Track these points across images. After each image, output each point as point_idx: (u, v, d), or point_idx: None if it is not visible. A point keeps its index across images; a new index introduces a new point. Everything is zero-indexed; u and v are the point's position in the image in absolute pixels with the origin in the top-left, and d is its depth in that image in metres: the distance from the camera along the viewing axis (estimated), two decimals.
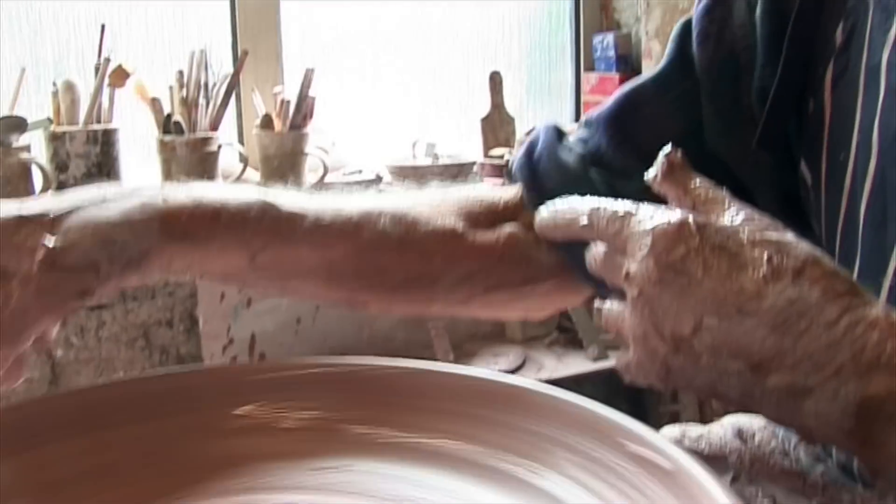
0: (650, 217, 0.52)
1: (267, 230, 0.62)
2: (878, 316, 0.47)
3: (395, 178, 1.97)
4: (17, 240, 0.53)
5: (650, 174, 0.56)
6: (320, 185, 1.84)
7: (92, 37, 1.75)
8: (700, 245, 0.50)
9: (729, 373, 0.49)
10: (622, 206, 0.53)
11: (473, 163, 2.00)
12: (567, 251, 0.71)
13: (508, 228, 0.73)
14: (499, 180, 2.04)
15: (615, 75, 2.25)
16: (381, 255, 0.67)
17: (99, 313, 1.71)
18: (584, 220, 0.54)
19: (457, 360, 1.83)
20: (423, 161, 1.99)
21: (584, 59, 2.36)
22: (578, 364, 1.84)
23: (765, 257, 0.50)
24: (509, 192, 0.77)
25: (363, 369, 0.63)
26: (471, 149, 2.16)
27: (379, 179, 1.93)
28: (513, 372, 1.77)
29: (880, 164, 0.65)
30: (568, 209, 0.56)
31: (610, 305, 0.55)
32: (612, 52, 2.25)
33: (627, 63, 2.26)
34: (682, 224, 0.51)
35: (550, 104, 2.39)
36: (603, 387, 2.25)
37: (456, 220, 0.72)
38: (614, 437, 0.53)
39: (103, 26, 1.70)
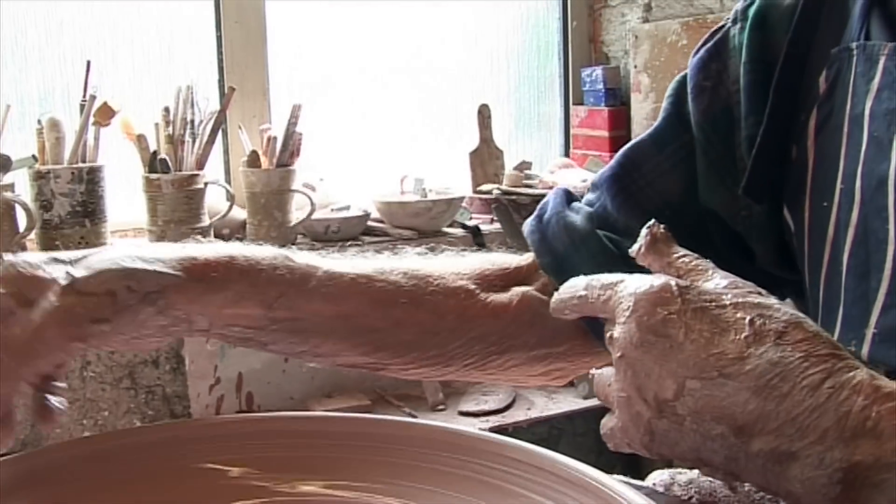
0: (635, 283, 0.52)
1: (282, 279, 0.63)
2: (862, 380, 0.47)
3: (382, 214, 1.97)
4: (44, 273, 0.56)
5: (633, 248, 0.57)
6: (307, 221, 1.84)
7: (77, 73, 1.76)
8: (682, 308, 0.50)
9: (713, 437, 0.49)
10: (613, 276, 0.54)
11: (462, 197, 2.01)
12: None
13: (522, 290, 0.74)
14: (487, 216, 2.06)
15: (604, 108, 2.26)
16: (395, 308, 0.68)
17: (83, 353, 1.70)
18: (581, 293, 0.55)
19: (446, 399, 1.82)
20: (412, 197, 1.99)
21: (572, 93, 2.37)
22: (569, 402, 1.83)
23: (747, 320, 0.50)
24: (522, 257, 0.79)
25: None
26: (460, 183, 2.16)
27: (367, 215, 1.93)
28: (502, 410, 1.76)
29: (863, 213, 0.65)
30: (569, 289, 0.57)
31: (601, 371, 0.55)
32: (600, 86, 2.27)
33: (616, 96, 2.28)
34: (664, 287, 0.51)
35: (539, 137, 2.40)
36: (595, 424, 2.25)
37: (469, 280, 0.73)
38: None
39: (89, 63, 1.71)
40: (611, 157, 2.23)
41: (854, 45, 0.68)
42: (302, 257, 0.67)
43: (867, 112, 0.66)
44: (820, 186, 0.70)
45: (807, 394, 0.47)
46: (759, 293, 0.53)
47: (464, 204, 2.06)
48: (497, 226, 2.04)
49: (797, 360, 0.48)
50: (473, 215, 2.09)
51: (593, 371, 0.56)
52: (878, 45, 0.66)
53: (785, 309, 0.51)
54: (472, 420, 1.74)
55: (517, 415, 1.77)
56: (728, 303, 0.51)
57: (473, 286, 0.72)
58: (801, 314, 0.52)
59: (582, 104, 2.35)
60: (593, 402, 1.86)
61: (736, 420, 0.48)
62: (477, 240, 1.99)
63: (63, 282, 0.55)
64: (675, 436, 0.50)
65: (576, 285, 0.56)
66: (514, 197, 2.05)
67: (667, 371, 0.50)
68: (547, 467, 0.58)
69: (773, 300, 0.52)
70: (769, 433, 0.47)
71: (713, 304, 0.51)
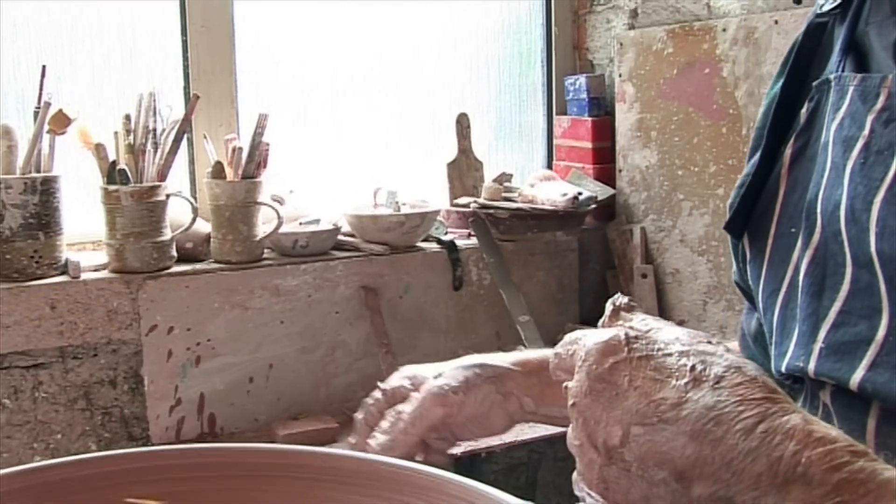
0: (592, 335, 0.56)
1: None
2: (795, 425, 0.49)
3: (354, 228, 1.96)
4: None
5: (600, 323, 0.60)
6: (274, 235, 1.83)
7: (33, 78, 1.74)
8: (628, 357, 0.54)
9: (657, 483, 0.51)
10: (577, 333, 0.58)
11: (437, 211, 1.99)
12: None
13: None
14: (465, 230, 2.04)
15: (587, 118, 2.26)
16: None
17: (35, 372, 1.68)
18: (556, 351, 0.60)
19: None
20: (384, 210, 1.98)
21: (555, 102, 2.37)
22: (545, 427, 1.81)
23: (688, 366, 0.52)
24: None
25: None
26: (437, 196, 2.15)
27: (337, 230, 1.91)
28: None
29: (823, 236, 0.70)
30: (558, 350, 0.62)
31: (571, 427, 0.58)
32: (584, 95, 2.27)
33: (600, 106, 2.27)
34: (613, 338, 0.55)
35: (521, 148, 2.39)
36: None
37: None
38: None
39: (44, 67, 1.69)
40: (594, 169, 2.25)
41: (832, 76, 0.73)
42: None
43: (831, 139, 0.72)
44: (789, 213, 0.75)
45: (740, 437, 0.49)
46: (710, 342, 0.56)
47: (440, 218, 2.05)
48: (474, 241, 2.03)
49: (732, 403, 0.50)
50: (450, 230, 2.08)
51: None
52: (850, 76, 0.71)
53: (729, 355, 0.54)
54: None
55: (491, 439, 1.76)
56: (674, 350, 0.54)
57: None
58: (746, 360, 0.54)
59: (565, 114, 2.34)
60: None
61: (676, 465, 0.50)
62: (452, 256, 1.98)
63: (432, 377, 0.88)
64: (626, 483, 0.52)
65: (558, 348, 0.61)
66: (491, 211, 2.04)
67: (613, 418, 0.52)
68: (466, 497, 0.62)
69: (720, 348, 0.55)
70: (707, 478, 0.49)
71: (660, 352, 0.54)
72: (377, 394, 0.97)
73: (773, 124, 0.79)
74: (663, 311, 2.09)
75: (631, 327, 0.56)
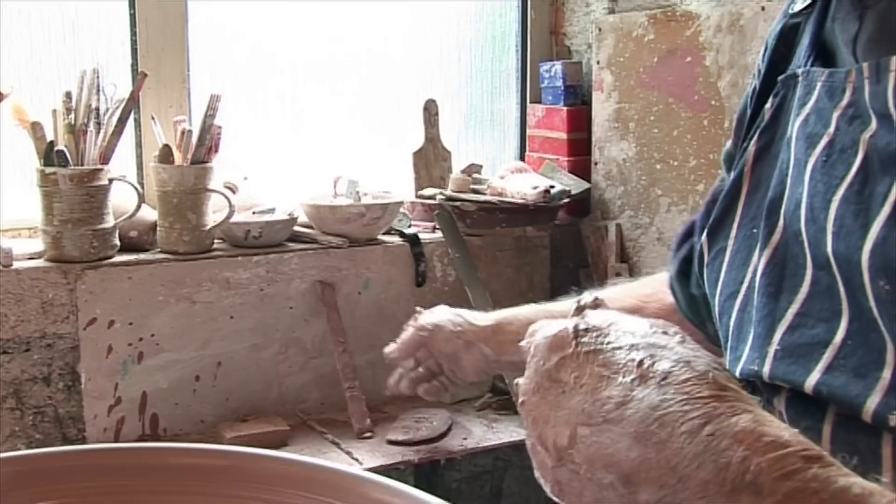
0: (543, 329, 0.56)
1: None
2: (745, 427, 0.48)
3: (311, 219, 1.91)
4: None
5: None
6: (225, 225, 1.78)
7: None
8: (574, 352, 0.53)
9: (605, 487, 0.50)
10: (537, 324, 0.57)
11: (400, 202, 1.95)
12: None
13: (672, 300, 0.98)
14: (430, 223, 2.00)
15: (563, 108, 2.23)
16: None
17: None
18: (521, 344, 0.59)
19: (375, 425, 1.77)
20: (344, 200, 1.93)
21: (530, 89, 2.33)
22: (510, 432, 1.78)
23: (636, 361, 0.51)
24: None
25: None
26: (401, 186, 2.11)
27: (293, 220, 1.87)
28: (436, 440, 1.71)
29: (784, 236, 0.70)
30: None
31: None
32: (560, 82, 2.23)
33: (577, 94, 2.24)
34: (562, 331, 0.54)
35: (493, 138, 2.35)
36: None
37: (639, 298, 1.10)
38: None
39: None
40: (569, 162, 2.21)
41: (800, 70, 0.73)
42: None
43: (794, 135, 0.71)
44: (752, 213, 0.75)
45: (685, 440, 0.48)
46: (666, 332, 0.55)
47: (403, 209, 2.01)
48: (439, 235, 1.99)
49: (678, 402, 0.49)
50: (414, 222, 2.04)
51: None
52: (818, 71, 0.71)
53: (681, 348, 0.53)
54: (400, 449, 1.69)
55: (452, 444, 1.72)
56: (624, 344, 0.53)
57: None
58: (699, 352, 0.53)
59: (539, 102, 2.31)
60: None
61: (622, 468, 0.49)
62: (415, 250, 1.94)
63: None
64: (578, 486, 0.51)
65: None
66: (458, 203, 2.00)
67: (561, 417, 0.52)
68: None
69: (675, 339, 0.54)
70: (652, 483, 0.48)
71: (609, 345, 0.53)
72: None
73: (739, 125, 0.82)
74: None
75: (584, 320, 0.55)
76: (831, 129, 0.67)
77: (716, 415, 0.48)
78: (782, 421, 0.65)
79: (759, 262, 0.71)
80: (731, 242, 0.76)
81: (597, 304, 0.58)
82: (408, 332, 1.43)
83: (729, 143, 0.88)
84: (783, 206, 0.70)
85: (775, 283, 0.69)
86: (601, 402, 0.50)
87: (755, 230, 0.73)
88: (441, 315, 1.38)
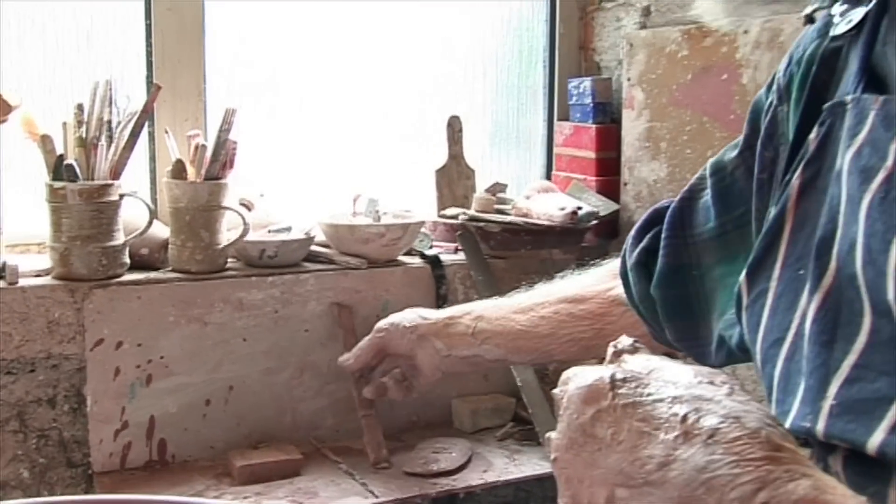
0: (578, 377, 0.52)
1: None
2: (804, 496, 0.43)
3: (329, 238, 1.85)
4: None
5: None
6: (240, 244, 1.72)
7: None
8: (611, 405, 0.49)
9: None
10: (572, 370, 0.53)
11: (422, 223, 1.89)
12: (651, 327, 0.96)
13: (619, 292, 1.03)
14: (452, 244, 1.94)
15: (592, 126, 2.16)
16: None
17: None
18: (557, 396, 0.55)
19: (391, 454, 1.69)
20: (363, 220, 1.87)
21: (557, 106, 2.27)
22: (532, 464, 1.71)
23: (679, 416, 0.47)
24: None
25: None
26: (422, 205, 2.05)
27: (310, 239, 1.81)
28: (454, 472, 1.64)
29: (837, 280, 0.64)
30: None
31: None
32: (589, 99, 2.17)
33: (606, 112, 2.17)
34: (596, 381, 0.50)
35: (518, 156, 2.29)
36: None
37: (584, 287, 1.21)
38: None
39: None
40: (597, 182, 2.14)
41: (849, 97, 0.67)
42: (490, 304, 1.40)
43: (846, 168, 0.65)
44: (798, 252, 0.69)
45: None
46: (712, 383, 0.50)
47: (425, 230, 1.94)
48: (461, 256, 1.92)
49: (726, 464, 0.45)
50: (435, 243, 1.98)
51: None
52: (870, 98, 0.65)
53: (729, 401, 0.48)
54: (418, 481, 1.61)
55: (471, 477, 1.65)
56: (666, 396, 0.49)
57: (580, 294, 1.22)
58: (751, 405, 0.49)
59: (567, 120, 2.24)
60: None
61: None
62: (436, 272, 1.87)
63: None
64: None
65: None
66: (482, 224, 1.93)
67: (597, 477, 0.49)
68: None
69: (723, 391, 0.49)
70: None
71: (650, 397, 0.49)
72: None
73: (752, 132, 0.79)
74: None
75: (622, 367, 0.51)
76: (889, 163, 0.61)
77: (770, 479, 0.44)
78: (839, 482, 0.59)
79: (808, 306, 0.65)
80: (774, 284, 0.71)
81: (635, 349, 0.54)
82: (366, 338, 1.51)
83: (731, 153, 0.84)
84: (835, 247, 0.64)
85: (828, 331, 0.63)
86: (641, 461, 0.47)
87: (802, 271, 0.68)
88: (400, 314, 1.46)
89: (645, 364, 0.52)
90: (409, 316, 1.44)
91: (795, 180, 0.71)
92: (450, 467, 1.63)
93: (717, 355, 0.85)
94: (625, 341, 0.55)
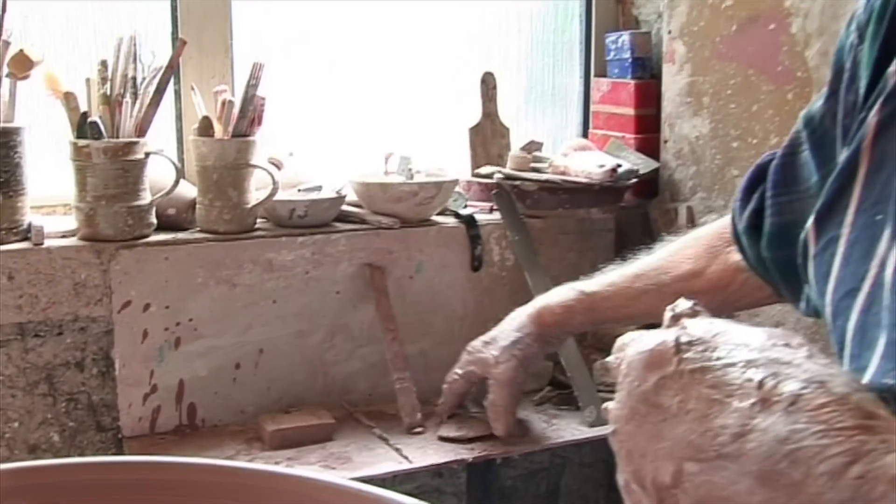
0: (638, 342, 0.48)
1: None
2: None
3: (360, 197, 1.79)
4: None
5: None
6: (269, 203, 1.67)
7: None
8: (677, 370, 0.45)
9: None
10: (629, 335, 0.50)
11: (456, 181, 1.83)
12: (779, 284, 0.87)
13: (736, 258, 0.96)
14: (486, 204, 1.88)
15: (630, 81, 2.08)
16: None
17: None
18: (609, 361, 0.52)
19: (426, 419, 1.65)
20: (396, 178, 1.82)
21: (594, 62, 2.19)
22: (571, 430, 1.65)
23: (755, 381, 0.43)
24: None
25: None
26: (456, 164, 1.99)
27: (341, 198, 1.75)
28: (490, 437, 1.58)
29: None
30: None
31: None
32: (627, 54, 2.09)
33: (645, 67, 2.10)
34: (659, 346, 0.46)
35: (554, 114, 2.22)
36: (605, 453, 2.07)
37: (696, 260, 1.08)
38: None
39: (5, 2, 1.53)
40: (636, 140, 2.07)
41: None
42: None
43: None
44: (875, 196, 0.63)
45: (826, 484, 0.39)
46: (788, 345, 0.45)
47: (459, 188, 1.88)
48: (497, 216, 1.86)
49: (813, 434, 0.40)
50: (469, 203, 1.92)
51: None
52: None
53: (811, 364, 0.44)
54: (453, 446, 1.57)
55: (508, 443, 1.59)
56: (739, 360, 0.44)
57: (699, 265, 1.08)
58: (834, 369, 0.44)
59: (605, 76, 2.16)
60: (600, 430, 1.67)
61: None
62: (471, 232, 1.81)
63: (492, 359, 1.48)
64: None
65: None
66: (518, 183, 1.87)
67: (662, 451, 0.45)
68: None
69: (801, 353, 0.45)
70: None
71: (720, 361, 0.44)
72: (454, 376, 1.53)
73: (836, 79, 0.72)
74: None
75: (686, 331, 0.47)
76: None
77: (864, 451, 0.39)
78: None
79: (888, 254, 0.60)
80: (846, 231, 0.65)
81: (696, 312, 0.50)
82: (494, 397, 1.52)
83: (819, 102, 0.78)
84: None
85: None
86: (713, 432, 0.43)
87: (880, 216, 0.62)
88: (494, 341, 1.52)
89: (708, 327, 0.48)
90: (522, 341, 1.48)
91: (872, 118, 0.65)
92: (487, 431, 1.58)
93: None
94: (683, 304, 0.51)
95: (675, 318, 0.50)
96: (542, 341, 1.43)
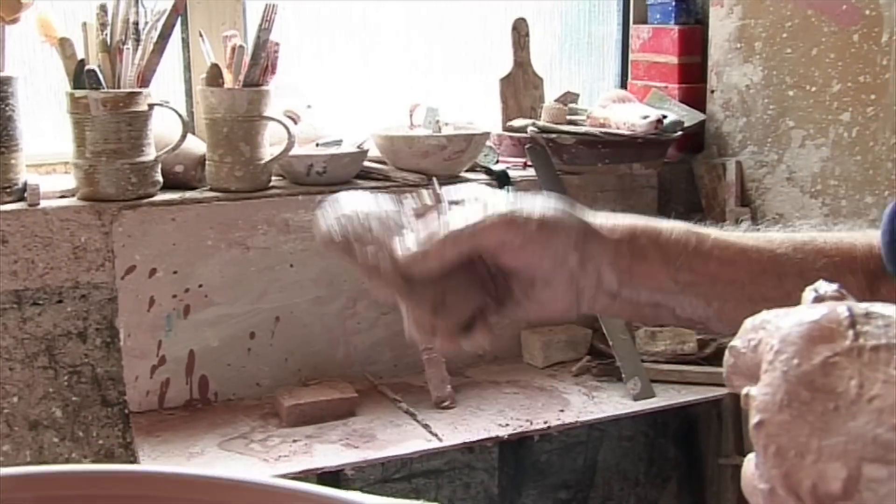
0: (790, 316, 0.39)
1: (680, 242, 0.66)
2: None
3: (384, 152, 1.65)
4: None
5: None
6: (285, 158, 1.53)
7: None
8: (854, 346, 0.36)
9: None
10: (769, 315, 0.40)
11: (487, 134, 1.68)
12: None
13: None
14: (520, 159, 1.74)
15: (674, 27, 1.92)
16: (786, 280, 0.66)
17: None
18: (732, 345, 0.42)
19: (455, 392, 1.51)
20: (422, 131, 1.67)
21: (634, 8, 2.03)
22: (614, 403, 1.51)
23: None
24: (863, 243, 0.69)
25: None
26: (486, 117, 1.84)
27: (363, 153, 1.61)
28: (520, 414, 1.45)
29: None
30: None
31: (751, 457, 0.40)
32: None
33: (689, 12, 1.94)
34: (827, 317, 0.37)
35: (590, 64, 2.07)
36: (645, 426, 1.94)
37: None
38: None
39: None
40: (679, 90, 1.89)
41: None
42: (692, 227, 0.69)
43: None
44: None
45: None
46: None
47: (490, 143, 1.73)
48: (531, 172, 1.71)
49: None
50: (502, 158, 1.77)
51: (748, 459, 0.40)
52: None
53: None
54: (485, 423, 1.43)
55: (547, 417, 1.46)
56: None
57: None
58: None
59: (645, 23, 2.00)
60: (646, 404, 1.53)
61: None
62: (503, 188, 1.66)
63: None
64: None
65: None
66: (554, 136, 1.72)
67: (831, 448, 0.36)
68: None
69: None
70: None
71: None
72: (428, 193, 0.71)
73: None
74: None
75: (856, 304, 0.38)
76: None
77: None
78: None
79: None
80: None
81: (842, 295, 0.42)
82: (469, 223, 0.65)
83: None
84: None
85: None
86: None
87: None
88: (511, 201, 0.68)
89: (881, 307, 0.38)
90: (565, 212, 0.67)
91: None
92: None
93: None
94: (825, 286, 0.42)
95: (818, 300, 0.41)
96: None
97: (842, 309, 0.38)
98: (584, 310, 0.69)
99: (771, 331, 0.39)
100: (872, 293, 0.66)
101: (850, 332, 0.37)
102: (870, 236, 0.68)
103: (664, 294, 0.66)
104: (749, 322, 0.41)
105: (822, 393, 0.37)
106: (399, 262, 0.62)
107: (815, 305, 0.39)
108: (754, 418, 0.38)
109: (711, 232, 0.68)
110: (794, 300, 0.56)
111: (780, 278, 0.66)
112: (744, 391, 0.39)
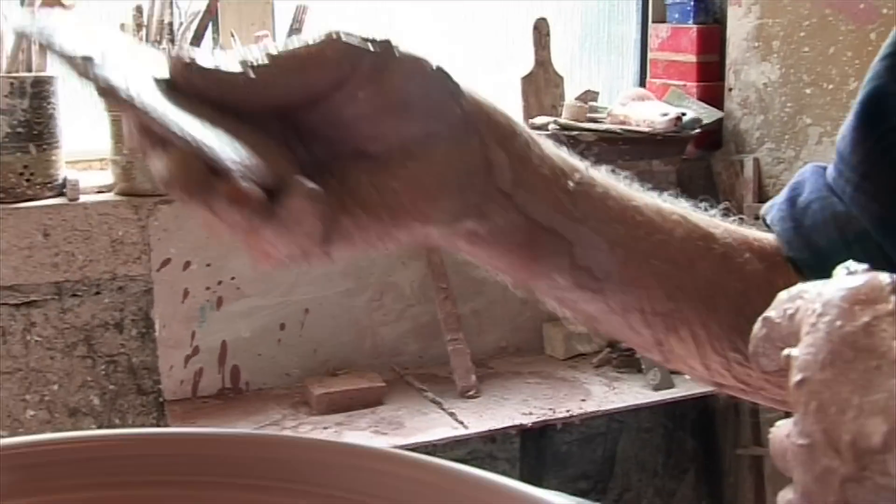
0: (829, 283, 0.40)
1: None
2: None
3: None
4: None
5: None
6: None
7: None
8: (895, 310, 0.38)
9: None
10: (806, 286, 0.41)
11: None
12: None
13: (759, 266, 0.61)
14: None
15: (692, 26, 1.95)
16: (690, 245, 0.57)
17: (28, 312, 1.46)
18: (766, 314, 0.42)
19: (480, 382, 1.55)
20: None
21: (652, 7, 2.06)
22: (634, 393, 1.55)
23: None
24: (757, 234, 0.63)
25: None
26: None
27: None
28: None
29: None
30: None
31: (780, 424, 0.41)
32: None
33: (708, 11, 1.96)
34: (870, 283, 0.39)
35: (609, 62, 2.09)
36: (664, 417, 1.97)
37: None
38: None
39: None
40: (698, 88, 1.92)
41: None
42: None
43: None
44: None
45: None
46: None
47: None
48: None
49: None
50: None
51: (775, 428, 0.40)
52: None
53: None
54: (509, 412, 1.47)
55: (569, 405, 1.49)
56: None
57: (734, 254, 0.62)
58: None
59: (664, 22, 2.03)
60: (666, 394, 1.57)
61: None
62: None
63: None
64: None
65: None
66: (575, 133, 1.74)
67: (871, 404, 0.37)
68: None
69: None
70: None
71: None
72: None
73: None
74: None
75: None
76: None
77: None
78: None
79: None
80: None
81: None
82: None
83: None
84: None
85: None
86: None
87: None
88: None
89: None
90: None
91: None
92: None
93: None
94: (855, 265, 0.42)
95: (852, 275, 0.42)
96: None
97: (884, 276, 0.39)
98: (470, 214, 0.48)
99: (812, 297, 0.40)
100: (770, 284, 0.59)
101: (893, 297, 0.38)
102: (753, 231, 0.63)
103: (562, 218, 0.51)
104: (784, 294, 0.42)
105: (865, 352, 0.38)
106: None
107: (856, 275, 0.41)
108: (796, 377, 0.39)
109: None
110: (699, 272, 0.56)
111: (686, 242, 0.56)
112: (784, 352, 0.40)
